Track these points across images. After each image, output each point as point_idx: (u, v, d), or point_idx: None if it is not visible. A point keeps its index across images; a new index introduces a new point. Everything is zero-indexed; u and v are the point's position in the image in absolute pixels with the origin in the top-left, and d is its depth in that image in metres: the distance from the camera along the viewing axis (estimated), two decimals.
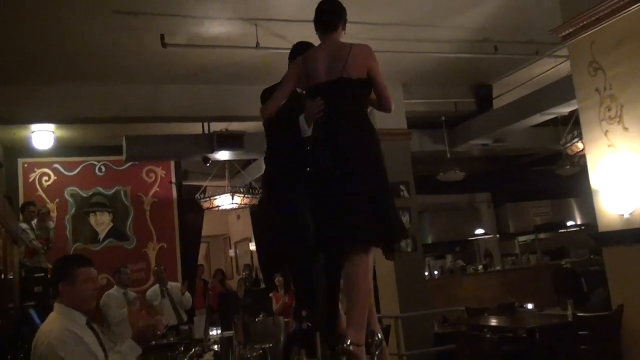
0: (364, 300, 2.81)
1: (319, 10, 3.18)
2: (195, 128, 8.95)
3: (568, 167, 8.99)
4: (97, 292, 3.16)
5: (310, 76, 3.06)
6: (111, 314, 6.91)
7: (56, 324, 2.93)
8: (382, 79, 3.12)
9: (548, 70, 7.97)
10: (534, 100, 8.31)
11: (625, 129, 4.76)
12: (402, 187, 8.09)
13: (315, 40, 3.28)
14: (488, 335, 3.85)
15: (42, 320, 3.42)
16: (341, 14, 3.18)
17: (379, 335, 2.81)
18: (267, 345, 2.80)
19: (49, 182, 9.65)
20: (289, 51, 3.47)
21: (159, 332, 3.12)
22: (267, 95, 3.32)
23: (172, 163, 10.37)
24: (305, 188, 3.02)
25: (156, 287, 8.18)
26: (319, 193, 2.95)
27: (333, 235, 2.87)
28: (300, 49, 3.36)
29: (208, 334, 4.23)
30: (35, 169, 9.63)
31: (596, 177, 5.06)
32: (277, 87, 3.26)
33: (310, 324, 2.66)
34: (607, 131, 4.92)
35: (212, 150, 8.78)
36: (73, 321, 2.97)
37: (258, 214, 10.83)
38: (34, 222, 8.08)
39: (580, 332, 4.92)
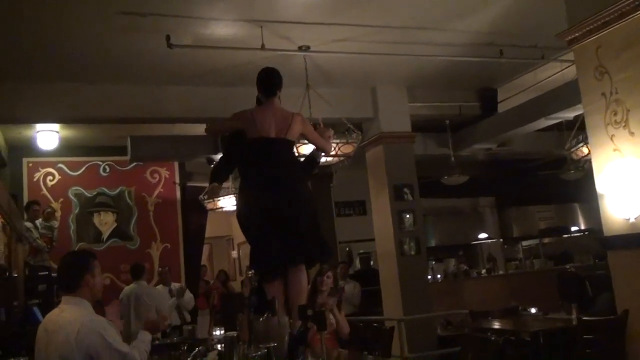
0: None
1: (263, 79, 4.28)
2: (200, 129, 8.93)
3: (572, 171, 8.98)
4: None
5: (259, 129, 4.09)
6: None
7: (96, 316, 3.14)
8: (315, 134, 4.42)
9: (554, 74, 7.96)
10: (539, 105, 8.30)
11: (632, 133, 4.75)
12: (405, 190, 8.08)
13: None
14: (493, 338, 3.84)
15: None
16: (281, 83, 4.32)
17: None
18: (272, 345, 2.80)
19: (54, 182, 9.68)
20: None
21: (167, 323, 3.68)
22: (216, 170, 4.87)
23: (176, 164, 10.39)
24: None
25: (160, 287, 8.19)
26: (273, 223, 3.92)
27: (288, 254, 3.91)
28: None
29: (212, 333, 4.23)
30: (40, 169, 9.65)
31: (602, 182, 5.05)
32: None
33: (314, 323, 2.66)
34: (613, 136, 4.91)
35: (217, 152, 8.75)
36: (92, 312, 3.18)
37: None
38: (39, 221, 8.10)
39: (585, 336, 4.90)
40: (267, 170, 4.01)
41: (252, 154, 4.07)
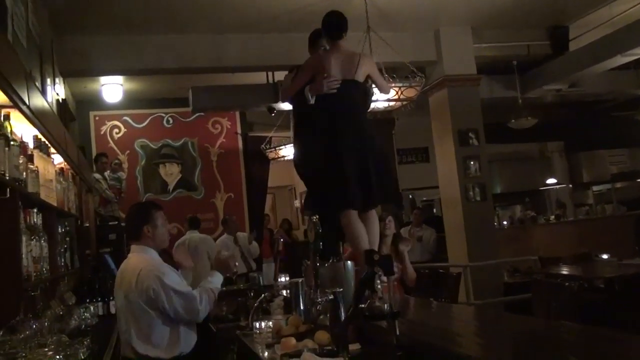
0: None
1: (329, 23, 4.10)
2: (260, 78, 8.91)
3: None
4: (169, 233, 3.50)
5: (328, 73, 3.91)
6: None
7: (154, 262, 3.26)
8: (380, 76, 4.30)
9: (631, 8, 7.45)
10: (615, 41, 7.81)
11: None
12: (471, 134, 7.85)
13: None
14: (567, 284, 3.70)
15: (117, 265, 3.59)
16: (347, 25, 4.09)
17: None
18: (338, 290, 2.76)
19: (120, 135, 9.90)
20: (301, 67, 4.21)
21: (236, 263, 3.71)
22: (313, 38, 4.36)
23: (238, 114, 10.44)
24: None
25: (225, 236, 8.34)
26: (345, 165, 3.76)
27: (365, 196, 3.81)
28: (317, 39, 4.31)
29: (277, 279, 4.25)
30: (106, 122, 9.88)
31: None
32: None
33: (381, 269, 2.60)
34: None
35: (277, 100, 8.73)
36: (158, 259, 3.32)
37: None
38: (107, 173, 8.32)
39: None
40: (338, 113, 3.90)
41: (322, 97, 3.92)
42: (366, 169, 3.77)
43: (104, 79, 8.65)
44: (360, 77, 4.00)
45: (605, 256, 7.27)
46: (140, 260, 3.25)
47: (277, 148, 9.55)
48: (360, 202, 3.80)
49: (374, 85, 4.33)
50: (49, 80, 5.42)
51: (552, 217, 11.63)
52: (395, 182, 4.25)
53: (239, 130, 10.45)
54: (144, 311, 3.10)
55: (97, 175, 8.02)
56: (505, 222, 10.98)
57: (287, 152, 9.50)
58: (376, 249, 3.77)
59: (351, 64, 3.97)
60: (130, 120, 9.96)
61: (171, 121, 10.13)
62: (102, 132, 9.85)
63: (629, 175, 13.12)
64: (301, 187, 14.73)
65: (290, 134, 5.51)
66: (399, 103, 6.53)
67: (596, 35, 8.16)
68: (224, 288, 5.28)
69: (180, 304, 3.10)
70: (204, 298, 3.19)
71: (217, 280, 3.37)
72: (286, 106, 9.07)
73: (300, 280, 3.58)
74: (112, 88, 8.82)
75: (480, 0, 7.07)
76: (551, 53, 8.69)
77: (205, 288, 3.26)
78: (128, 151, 9.87)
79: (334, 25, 4.08)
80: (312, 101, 3.94)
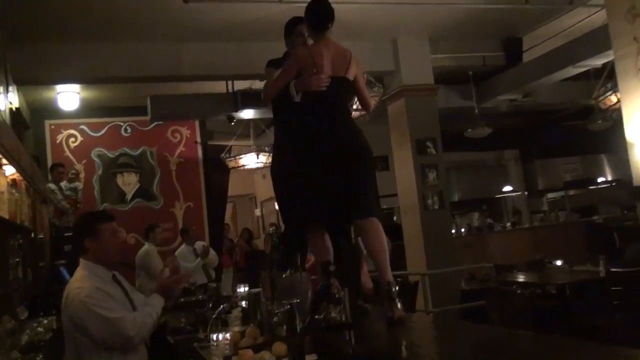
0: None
1: (316, 11, 3.52)
2: (220, 87, 8.88)
3: (600, 121, 8.78)
4: (121, 247, 3.27)
5: (318, 67, 3.40)
6: (153, 266, 7.02)
7: (86, 283, 2.99)
8: (364, 83, 3.72)
9: (581, 20, 7.67)
10: (566, 52, 8.04)
11: None
12: (428, 143, 7.97)
13: None
14: (519, 291, 3.78)
15: None
16: (333, 14, 3.51)
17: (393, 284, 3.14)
18: (295, 301, 2.78)
19: (76, 143, 9.72)
20: (286, 62, 3.67)
21: (180, 287, 3.25)
22: (271, 65, 3.82)
23: (197, 123, 10.36)
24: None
25: (184, 247, 8.26)
26: (325, 173, 3.32)
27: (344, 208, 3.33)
28: (295, 26, 3.82)
29: (236, 290, 4.24)
30: (62, 131, 9.69)
31: (632, 130, 4.90)
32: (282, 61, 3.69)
33: (338, 279, 2.63)
34: None
35: (237, 109, 8.72)
36: (100, 277, 3.05)
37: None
38: (63, 183, 8.16)
39: (613, 288, 4.82)
40: (324, 114, 3.42)
41: (309, 96, 3.41)
42: (355, 173, 3.34)
43: (60, 87, 8.49)
44: (351, 75, 3.51)
45: (559, 262, 7.44)
46: (75, 279, 3.05)
47: (237, 157, 9.51)
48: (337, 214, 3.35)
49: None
50: (1, 89, 5.31)
51: (509, 224, 11.86)
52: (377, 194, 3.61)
53: (199, 139, 10.37)
54: (74, 336, 2.92)
55: (53, 186, 7.87)
56: (463, 230, 11.15)
57: (248, 160, 9.48)
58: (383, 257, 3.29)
59: (343, 60, 3.48)
60: (87, 129, 9.79)
61: (129, 130, 9.99)
62: (58, 141, 9.65)
63: (581, 183, 13.49)
64: (261, 195, 14.76)
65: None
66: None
67: (549, 47, 8.39)
68: (182, 299, 5.25)
69: (107, 330, 2.86)
70: (138, 323, 2.93)
71: (156, 304, 3.09)
72: (246, 115, 9.09)
73: (258, 291, 3.58)
74: (69, 96, 8.66)
75: (437, 12, 7.19)
76: (506, 64, 8.91)
77: (143, 312, 3.02)
78: (85, 160, 9.69)
79: (322, 12, 3.51)
80: (298, 98, 3.42)
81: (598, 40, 6.57)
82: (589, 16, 7.41)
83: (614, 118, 7.51)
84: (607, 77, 7.34)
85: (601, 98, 7.74)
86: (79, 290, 2.93)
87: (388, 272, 3.16)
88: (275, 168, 3.92)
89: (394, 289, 3.04)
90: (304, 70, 3.43)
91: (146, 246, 7.52)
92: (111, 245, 3.10)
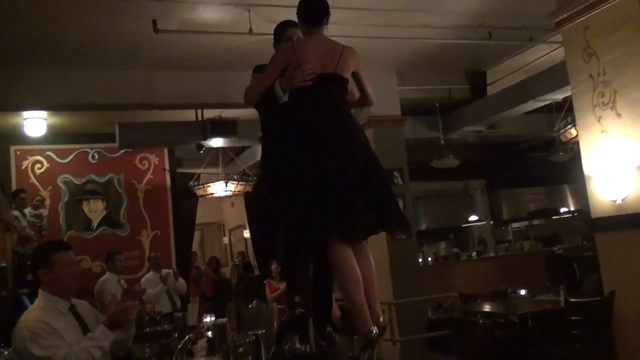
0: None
1: (309, 5, 3.21)
2: (189, 115, 8.91)
3: (561, 153, 9.00)
4: (78, 276, 3.15)
5: (302, 62, 3.06)
6: (107, 299, 6.89)
7: (32, 315, 2.95)
8: (367, 78, 3.30)
9: (542, 56, 7.97)
10: (528, 87, 8.31)
11: (619, 115, 4.77)
12: (396, 174, 8.08)
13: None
14: (481, 321, 3.86)
15: None
16: (328, 9, 3.22)
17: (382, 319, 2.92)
18: (260, 332, 2.80)
19: (42, 170, 9.61)
20: (269, 61, 3.34)
21: (130, 318, 3.10)
22: (258, 71, 3.38)
23: (166, 150, 10.35)
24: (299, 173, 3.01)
25: (151, 274, 8.19)
26: (318, 179, 2.93)
27: (339, 222, 2.88)
28: (284, 29, 3.42)
29: (202, 320, 4.22)
30: (28, 157, 9.58)
31: (589, 163, 5.07)
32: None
33: (303, 311, 2.66)
34: (600, 117, 4.92)
35: (206, 138, 8.74)
36: (56, 309, 2.99)
37: (252, 198, 10.81)
38: (27, 209, 8.05)
39: (572, 318, 4.94)
40: (316, 114, 3.05)
41: (295, 97, 3.08)
42: (366, 182, 2.95)
43: (26, 113, 8.41)
44: (344, 71, 3.14)
45: (522, 292, 7.57)
46: (29, 310, 3.01)
47: (205, 185, 9.51)
48: (361, 227, 3.00)
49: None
50: None
51: (474, 253, 12.02)
52: (397, 204, 3.26)
53: (167, 167, 10.35)
54: None
55: (16, 213, 7.76)
56: (430, 259, 11.26)
57: (216, 189, 9.48)
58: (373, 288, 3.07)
59: (333, 54, 3.11)
60: (53, 155, 9.70)
61: (97, 157, 9.92)
62: (23, 167, 9.53)
63: (545, 213, 13.76)
64: (230, 223, 14.71)
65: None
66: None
67: (512, 81, 8.65)
68: (147, 329, 5.21)
69: None
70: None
71: (99, 337, 2.94)
72: (215, 143, 9.12)
73: (224, 321, 3.59)
74: (35, 122, 8.57)
75: (405, 46, 7.37)
76: (471, 96, 9.15)
77: (77, 349, 2.88)
78: (51, 187, 9.58)
79: (312, 6, 3.21)
80: (286, 98, 3.11)
81: (558, 75, 6.80)
82: (549, 52, 7.69)
83: (575, 150, 7.73)
84: (568, 111, 7.58)
85: (562, 131, 7.97)
86: (24, 323, 2.89)
87: (378, 306, 2.95)
88: (273, 176, 3.38)
89: (374, 334, 2.78)
90: (289, 67, 3.09)
91: (105, 275, 7.42)
92: (66, 275, 3.01)
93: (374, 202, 2.94)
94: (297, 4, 3.29)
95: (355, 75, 3.23)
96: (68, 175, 9.72)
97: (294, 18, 3.34)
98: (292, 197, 3.05)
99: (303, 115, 3.08)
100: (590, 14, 4.94)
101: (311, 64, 3.04)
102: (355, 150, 3.02)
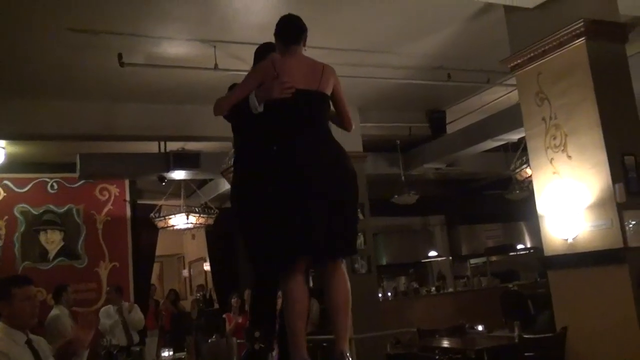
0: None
1: (286, 23, 3.16)
2: (151, 147, 8.91)
3: (517, 191, 9.26)
4: (37, 311, 3.22)
5: (278, 75, 2.99)
6: (59, 333, 6.73)
7: None
8: (344, 98, 3.25)
9: (499, 97, 8.25)
10: (485, 127, 8.58)
11: (569, 157, 4.97)
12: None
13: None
14: (437, 357, 3.93)
15: None
16: (305, 27, 3.18)
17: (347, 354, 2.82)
18: None
19: None
20: (247, 73, 3.30)
21: (82, 347, 3.19)
22: (260, 51, 3.39)
23: (127, 181, 10.25)
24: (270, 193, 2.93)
25: (109, 307, 8.04)
26: (295, 199, 2.86)
27: (314, 242, 2.82)
28: (266, 53, 3.35)
29: (160, 355, 4.19)
30: None
31: (542, 203, 5.25)
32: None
33: (262, 345, 2.69)
34: (552, 159, 5.12)
35: (168, 170, 8.74)
36: (14, 342, 3.04)
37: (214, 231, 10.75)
38: None
39: (526, 354, 5.05)
40: (299, 133, 2.98)
41: (275, 112, 2.99)
42: (332, 204, 2.89)
43: None
44: (326, 89, 3.09)
45: (480, 327, 7.68)
46: None
47: (166, 217, 9.45)
48: (324, 247, 2.87)
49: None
50: None
51: (433, 288, 12.13)
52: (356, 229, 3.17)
53: (128, 198, 10.24)
54: None
55: None
56: (389, 293, 11.33)
57: (177, 221, 9.43)
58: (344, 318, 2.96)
59: (315, 72, 3.07)
60: (10, 184, 9.51)
61: (56, 187, 9.77)
62: None
63: (501, 249, 14.02)
64: (190, 255, 14.57)
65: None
66: None
67: (470, 121, 8.93)
68: None
69: None
70: None
71: None
72: (177, 175, 9.11)
73: (183, 356, 3.59)
74: None
75: (366, 85, 7.54)
76: (430, 134, 9.39)
77: None
78: (7, 216, 9.37)
79: (290, 25, 3.15)
80: (261, 108, 2.98)
81: (513, 116, 7.02)
82: (505, 94, 7.97)
83: (530, 189, 7.95)
84: (523, 150, 7.82)
85: (518, 170, 8.21)
86: None
87: (345, 340, 2.86)
88: (243, 195, 3.25)
89: None
90: (267, 78, 3.00)
91: (56, 310, 7.22)
92: (24, 309, 3.09)
93: (334, 226, 2.86)
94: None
95: (335, 94, 3.17)
96: (25, 205, 9.53)
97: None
98: (254, 211, 3.00)
99: (276, 128, 3.00)
100: (542, 61, 5.17)
101: (292, 79, 2.96)
102: (327, 169, 2.96)
